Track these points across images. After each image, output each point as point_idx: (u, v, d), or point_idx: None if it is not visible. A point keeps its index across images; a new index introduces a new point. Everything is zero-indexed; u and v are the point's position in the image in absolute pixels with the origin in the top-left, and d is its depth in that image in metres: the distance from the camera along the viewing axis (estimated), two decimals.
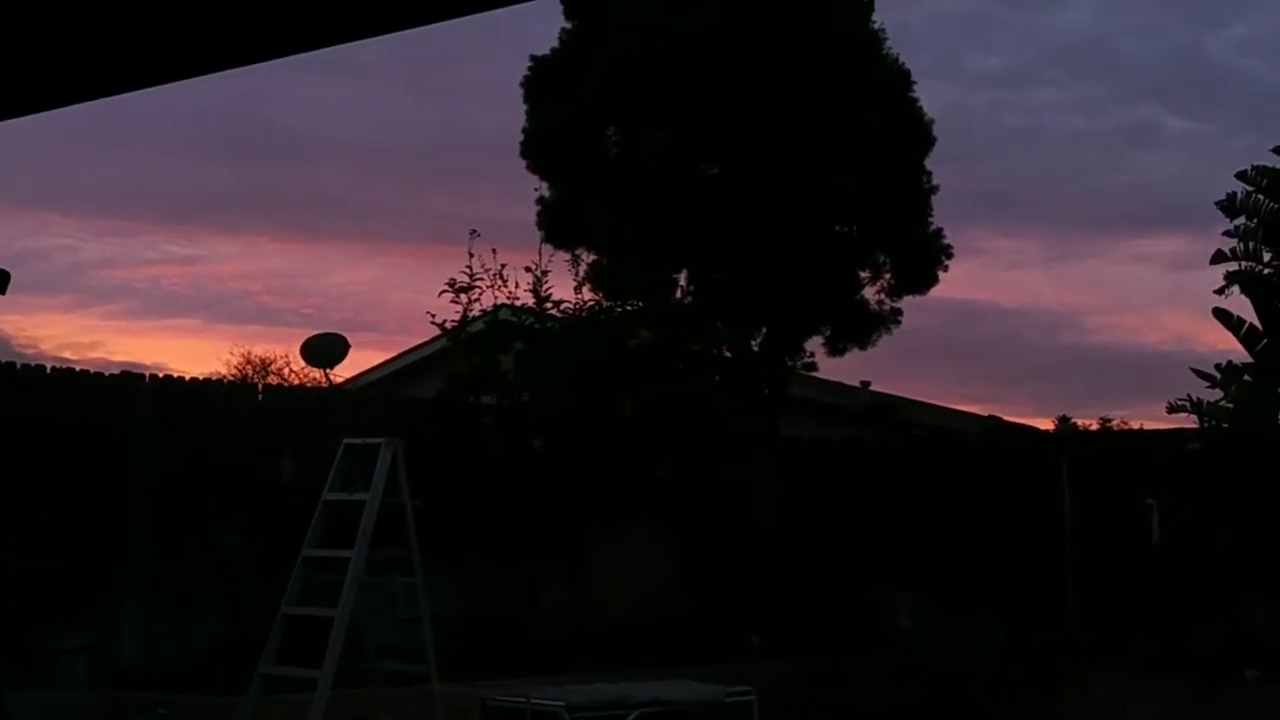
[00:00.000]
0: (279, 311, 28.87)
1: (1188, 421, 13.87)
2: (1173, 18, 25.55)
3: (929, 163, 14.55)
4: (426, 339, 16.06)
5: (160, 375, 11.32)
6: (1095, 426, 16.25)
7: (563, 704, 8.54)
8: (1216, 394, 13.89)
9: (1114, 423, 16.29)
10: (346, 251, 29.68)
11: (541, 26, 14.43)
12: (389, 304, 31.05)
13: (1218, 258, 14.15)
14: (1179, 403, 13.85)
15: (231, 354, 20.35)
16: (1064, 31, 25.15)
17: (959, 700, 11.16)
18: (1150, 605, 12.10)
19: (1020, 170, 25.63)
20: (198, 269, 28.21)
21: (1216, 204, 14.20)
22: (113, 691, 9.48)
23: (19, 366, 10.60)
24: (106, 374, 11.17)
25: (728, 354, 14.47)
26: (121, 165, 23.70)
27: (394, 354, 17.81)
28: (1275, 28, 26.24)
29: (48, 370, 10.77)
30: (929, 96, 14.52)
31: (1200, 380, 13.99)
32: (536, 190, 14.32)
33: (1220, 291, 14.12)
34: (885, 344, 14.76)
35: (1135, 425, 16.04)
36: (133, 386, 10.97)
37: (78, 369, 11.16)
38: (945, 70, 23.41)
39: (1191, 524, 12.50)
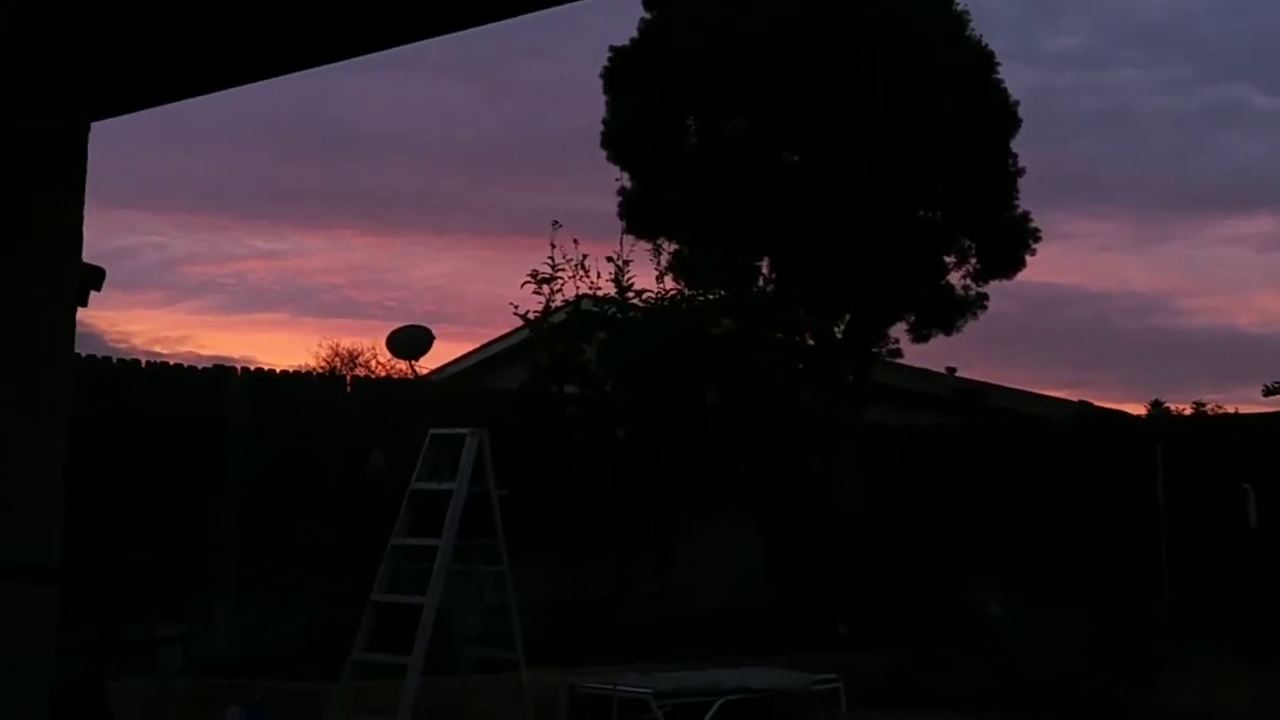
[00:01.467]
0: (362, 304, 29.22)
1: None
2: None
3: (1014, 145, 14.36)
4: (508, 330, 16.16)
5: (251, 368, 11.48)
6: (1189, 411, 15.94)
7: (650, 691, 8.55)
8: None
9: (1208, 407, 15.96)
10: (426, 245, 29.96)
11: (621, 18, 14.45)
12: (468, 296, 31.28)
13: None
14: (1275, 385, 13.55)
15: (320, 346, 20.62)
16: (1142, 11, 24.68)
17: (1049, 690, 11.02)
18: (1247, 591, 11.85)
19: (1104, 152, 25.21)
20: (283, 263, 28.62)
21: None
22: (207, 680, 9.65)
23: (115, 361, 10.82)
24: (199, 367, 11.37)
25: (810, 341, 14.40)
26: (205, 163, 24.13)
27: (476, 345, 17.96)
28: None
29: (142, 365, 10.98)
30: (1009, 78, 14.34)
31: None
32: (617, 180, 14.37)
33: None
34: (970, 329, 14.61)
35: (1230, 409, 15.69)
36: (225, 379, 11.16)
37: (171, 363, 11.37)
38: (1024, 52, 23.08)
39: None
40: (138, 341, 28.76)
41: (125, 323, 29.76)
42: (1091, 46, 25.24)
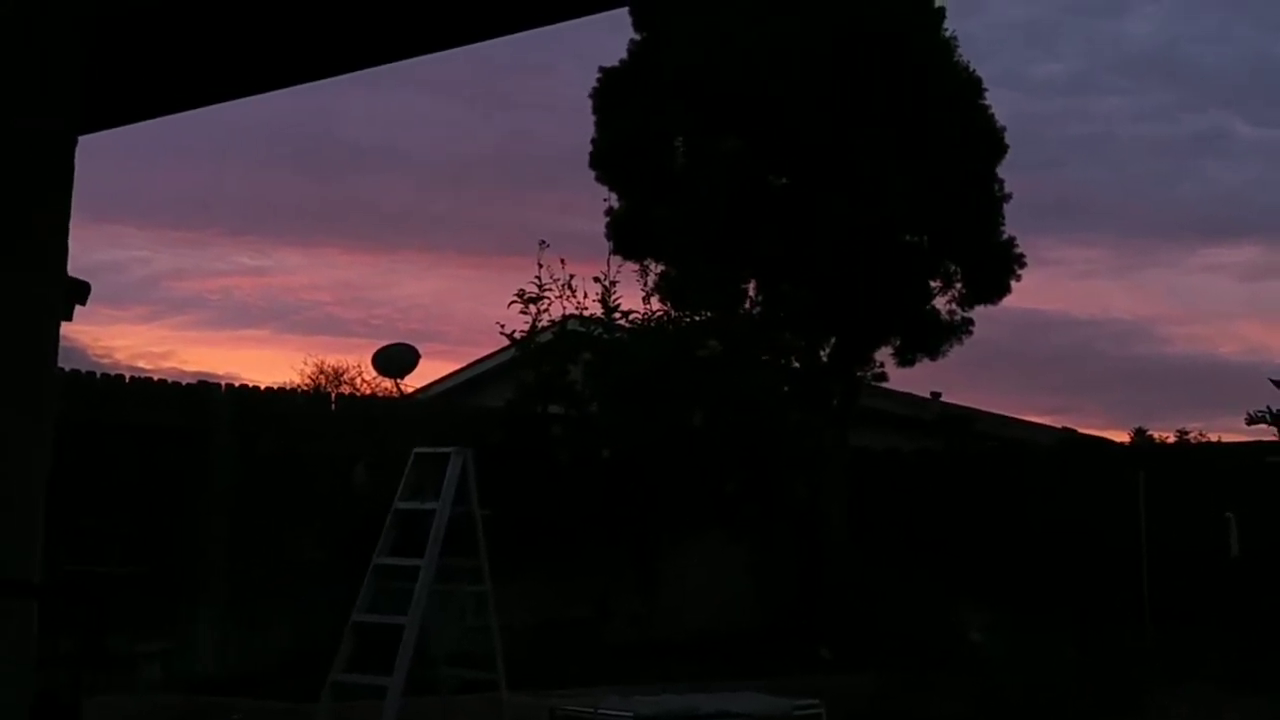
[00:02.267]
0: (347, 322, 29.20)
1: (1267, 433, 13.61)
2: (1242, 24, 25.21)
3: (1000, 171, 14.43)
4: (494, 349, 16.16)
5: (236, 384, 11.46)
6: (1172, 439, 15.99)
7: (630, 714, 8.52)
8: None
9: (1191, 435, 16.02)
10: (412, 263, 29.97)
11: (610, 39, 14.51)
12: (454, 315, 31.30)
13: None
14: (1258, 414, 13.59)
15: (305, 364, 20.59)
16: (1129, 39, 24.87)
17: (1031, 716, 11.01)
18: (1229, 620, 11.87)
19: (1089, 179, 25.37)
20: (268, 280, 28.60)
21: None
22: (187, 697, 9.60)
23: (99, 376, 10.78)
24: (183, 383, 11.34)
25: (796, 364, 14.42)
26: (192, 178, 24.12)
27: (462, 364, 17.96)
28: None
29: (126, 380, 10.95)
30: (995, 104, 14.43)
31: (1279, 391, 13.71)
32: (605, 201, 14.40)
33: None
34: (954, 354, 14.66)
35: (1213, 437, 15.75)
36: (209, 395, 11.12)
37: (155, 379, 11.34)
38: (1009, 78, 23.25)
39: (1271, 537, 12.25)
40: (121, 357, 28.69)
41: (109, 338, 29.70)
42: (1077, 73, 25.42)
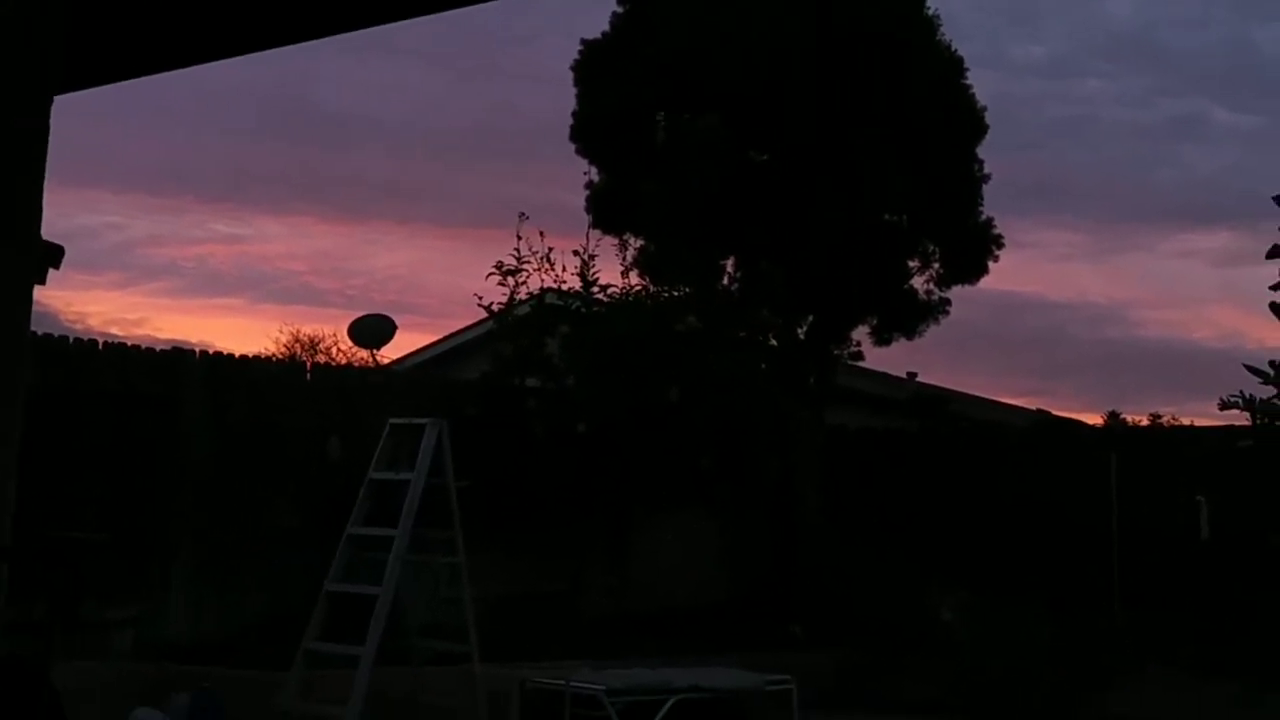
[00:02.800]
0: (323, 292, 29.05)
1: (1239, 418, 13.67)
2: (1220, 9, 25.26)
3: (980, 151, 14.44)
4: (471, 322, 16.12)
5: (210, 351, 11.39)
6: (1145, 422, 16.05)
7: (603, 688, 8.54)
8: (1269, 390, 13.68)
9: (1164, 419, 16.08)
10: (390, 234, 29.80)
11: (593, 9, 14.43)
12: (431, 286, 31.16)
13: (1273, 253, 13.92)
14: (1231, 399, 13.64)
15: (281, 333, 20.47)
16: (1109, 21, 24.88)
17: (1001, 697, 11.08)
18: (1199, 604, 11.96)
19: (1067, 161, 25.41)
20: (244, 248, 28.41)
21: (1274, 198, 13.96)
22: (159, 664, 9.57)
23: (71, 341, 10.70)
24: (157, 349, 11.26)
25: (774, 342, 14.42)
26: (169, 145, 23.92)
27: (439, 336, 17.90)
28: None
29: (100, 345, 10.86)
30: (976, 85, 14.42)
31: (1253, 376, 13.77)
32: (586, 174, 14.35)
33: (1276, 287, 13.89)
34: (931, 334, 14.70)
35: (1186, 421, 15.82)
36: (183, 362, 11.05)
37: (129, 344, 11.26)
38: (990, 59, 23.23)
39: (1242, 522, 12.34)
40: (93, 322, 28.52)
41: (82, 303, 29.41)
42: (1058, 55, 25.44)
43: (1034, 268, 26.47)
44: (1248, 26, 25.32)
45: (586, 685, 8.65)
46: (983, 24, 23.03)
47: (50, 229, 3.56)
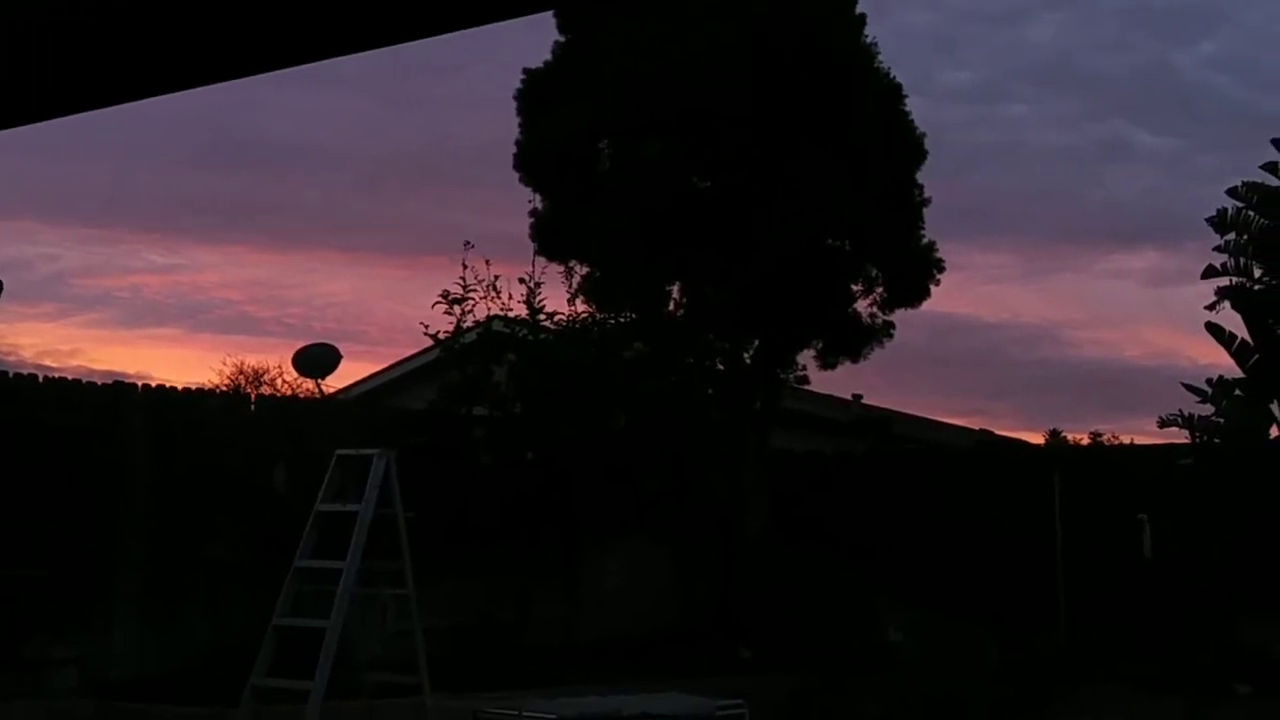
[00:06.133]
0: (261, 321, 28.77)
1: (1178, 436, 13.89)
2: (1140, 34, 25.70)
3: (920, 176, 14.61)
4: (415, 350, 16.06)
5: (152, 385, 11.28)
6: (1086, 441, 16.26)
7: (554, 716, 8.51)
8: (1207, 409, 13.91)
9: (1105, 437, 16.30)
10: (327, 261, 29.60)
11: (533, 38, 14.47)
12: (373, 314, 30.96)
13: (1209, 273, 14.18)
14: (1170, 417, 13.86)
15: (224, 364, 20.29)
16: (1031, 47, 25.26)
17: (949, 715, 11.15)
18: (1142, 621, 12.11)
19: (995, 185, 25.72)
20: (178, 278, 28.11)
21: (1207, 220, 14.23)
22: (103, 702, 9.44)
23: (10, 375, 10.57)
24: (99, 383, 11.14)
25: (720, 366, 14.49)
26: (100, 174, 23.64)
27: (383, 365, 17.81)
28: (1243, 45, 26.43)
29: (40, 380, 10.74)
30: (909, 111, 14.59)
31: (1190, 395, 14.01)
32: (530, 202, 14.36)
33: (1211, 307, 14.14)
34: (874, 357, 14.82)
35: (1125, 439, 16.05)
36: (124, 396, 10.94)
37: (70, 378, 11.14)
38: (918, 84, 23.44)
39: (1183, 539, 12.52)
40: (27, 354, 28.02)
41: (14, 335, 28.96)
42: (985, 81, 25.78)
43: (968, 289, 26.81)
44: (1166, 50, 25.78)
45: (538, 714, 8.61)
46: (907, 51, 23.29)
47: None
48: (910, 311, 14.78)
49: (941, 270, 14.63)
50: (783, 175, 13.46)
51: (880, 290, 14.63)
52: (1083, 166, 27.10)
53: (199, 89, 3.90)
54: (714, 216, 13.69)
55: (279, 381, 18.32)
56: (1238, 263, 14.03)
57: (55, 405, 10.44)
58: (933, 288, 14.63)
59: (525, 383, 12.70)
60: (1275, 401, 13.72)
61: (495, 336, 13.03)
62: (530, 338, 13.03)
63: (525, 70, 14.42)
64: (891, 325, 14.70)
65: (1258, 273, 14.06)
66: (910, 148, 14.50)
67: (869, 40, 14.31)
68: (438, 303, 12.68)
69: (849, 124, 13.70)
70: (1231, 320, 14.05)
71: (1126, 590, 12.51)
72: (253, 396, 14.13)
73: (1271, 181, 13.92)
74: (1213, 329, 14.12)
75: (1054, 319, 32.20)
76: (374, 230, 26.40)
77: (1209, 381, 14.06)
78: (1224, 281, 14.05)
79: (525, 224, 14.31)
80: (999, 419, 41.97)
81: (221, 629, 10.26)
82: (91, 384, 11.08)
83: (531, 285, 13.05)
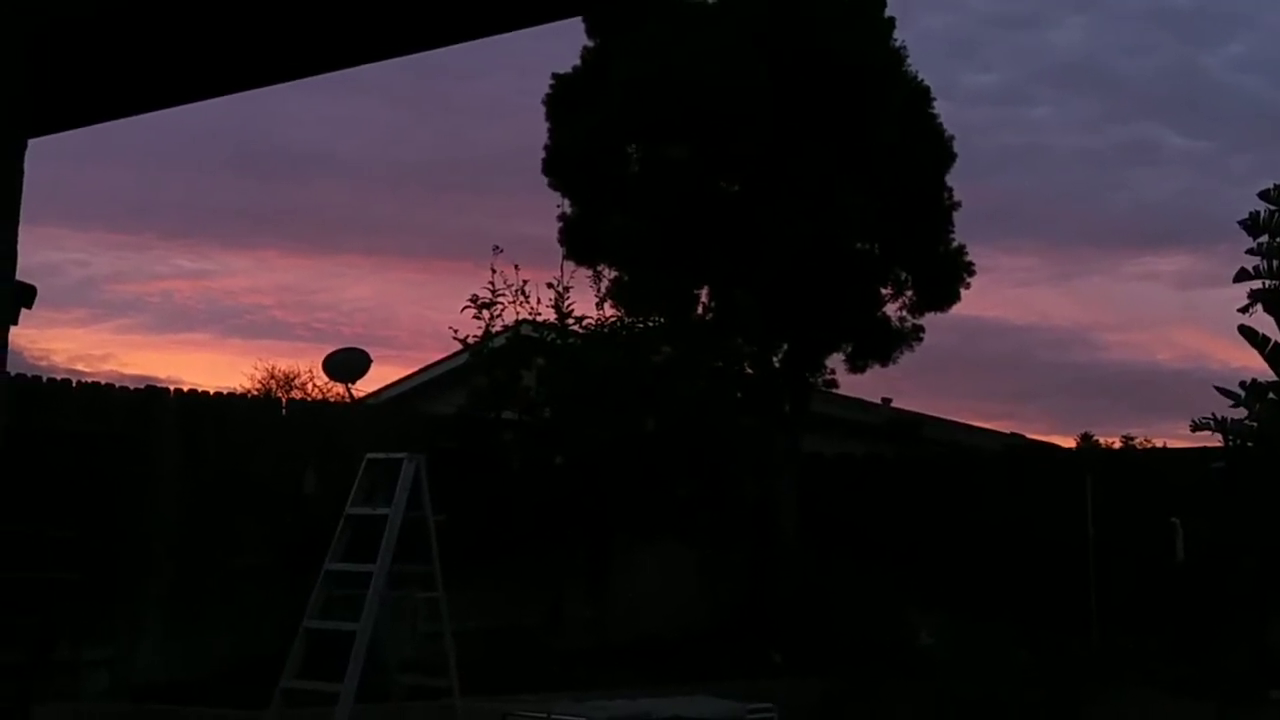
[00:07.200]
0: (290, 326, 28.94)
1: (1211, 440, 13.79)
2: (1166, 36, 25.53)
3: (949, 179, 14.56)
4: (444, 354, 16.12)
5: (184, 390, 11.36)
6: (1118, 444, 16.16)
7: (584, 719, 8.52)
8: (1240, 412, 13.81)
9: (1137, 441, 16.19)
10: (355, 266, 29.78)
11: (558, 45, 14.53)
12: (399, 319, 31.11)
13: (1241, 276, 14.08)
14: (1203, 421, 13.76)
15: (255, 369, 20.41)
16: (1056, 50, 25.13)
17: (980, 719, 11.10)
18: (1174, 625, 12.02)
19: (1021, 188, 25.59)
20: (209, 283, 28.33)
21: (1239, 222, 14.15)
22: (134, 705, 9.50)
23: (44, 380, 10.66)
24: (131, 388, 11.22)
25: (749, 370, 14.47)
26: (131, 181, 23.85)
27: (412, 369, 17.89)
28: (1271, 46, 26.22)
29: (73, 384, 10.83)
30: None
31: (1224, 398, 13.90)
32: (559, 206, 14.39)
33: (1244, 310, 14.05)
34: (904, 360, 14.77)
35: (1158, 443, 15.94)
36: (157, 400, 11.02)
37: (102, 383, 11.21)
38: (944, 88, 23.35)
39: (1216, 543, 12.42)
40: (59, 359, 28.28)
41: (46, 340, 29.21)
42: (1010, 83, 25.66)
43: (997, 293, 26.70)
44: (1194, 52, 25.60)
45: (568, 717, 8.62)
46: (932, 53, 23.21)
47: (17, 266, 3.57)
48: (940, 315, 14.74)
49: (971, 274, 14.57)
50: (809, 178, 13.44)
51: (910, 294, 14.59)
52: (1109, 169, 26.98)
53: (227, 97, 3.93)
54: (742, 220, 13.69)
55: (309, 386, 18.46)
56: (1270, 266, 13.93)
57: (87, 410, 10.51)
58: (963, 291, 14.58)
59: (555, 387, 12.72)
60: None
61: (524, 341, 13.06)
62: (559, 342, 13.04)
63: (554, 75, 14.46)
64: (921, 329, 14.66)
65: None
66: (939, 150, 14.45)
67: (898, 44, 14.28)
68: (466, 307, 12.73)
69: (876, 128, 13.66)
70: (1264, 323, 13.96)
71: (1159, 594, 12.42)
72: (284, 400, 14.21)
73: None
74: (1246, 332, 14.02)
75: (1084, 322, 32.03)
76: (400, 235, 26.57)
77: (1242, 385, 13.96)
78: (1257, 284, 13.97)
79: (552, 228, 14.37)
80: (1030, 422, 41.83)
81: (251, 632, 10.32)
82: (124, 388, 11.16)
83: (560, 289, 13.08)
